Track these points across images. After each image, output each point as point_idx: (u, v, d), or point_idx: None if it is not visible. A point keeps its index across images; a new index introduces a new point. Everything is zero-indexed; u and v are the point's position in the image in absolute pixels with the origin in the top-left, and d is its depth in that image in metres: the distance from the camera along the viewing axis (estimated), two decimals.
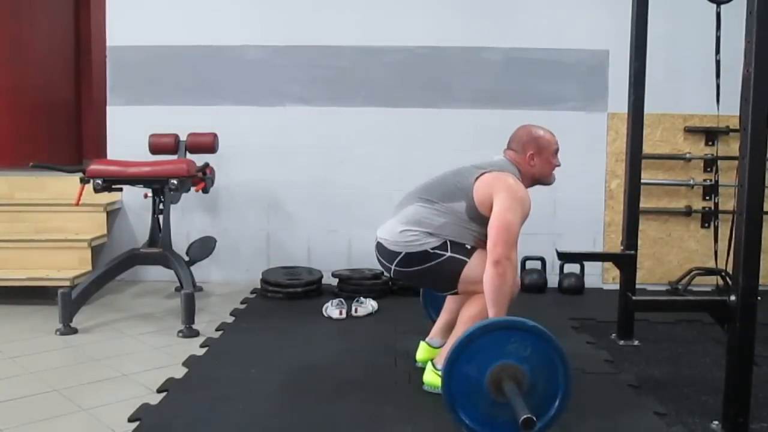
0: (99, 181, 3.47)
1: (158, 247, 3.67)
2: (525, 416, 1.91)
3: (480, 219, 2.50)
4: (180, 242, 4.01)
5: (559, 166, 2.67)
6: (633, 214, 3.25)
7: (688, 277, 4.22)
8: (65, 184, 4.15)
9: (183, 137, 4.03)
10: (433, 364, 2.60)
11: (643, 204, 3.43)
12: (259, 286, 4.13)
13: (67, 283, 3.68)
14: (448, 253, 2.50)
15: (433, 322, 2.90)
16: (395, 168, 4.31)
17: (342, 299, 3.72)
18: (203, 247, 4.11)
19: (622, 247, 3.32)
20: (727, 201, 4.07)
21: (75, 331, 3.31)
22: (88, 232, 4.11)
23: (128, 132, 4.24)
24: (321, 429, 2.30)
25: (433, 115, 4.33)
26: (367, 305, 3.69)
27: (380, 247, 2.61)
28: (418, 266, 2.53)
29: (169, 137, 4.01)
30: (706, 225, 4.33)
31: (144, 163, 3.57)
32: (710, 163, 4.29)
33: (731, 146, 4.24)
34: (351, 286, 4.01)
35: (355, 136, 4.35)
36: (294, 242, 4.42)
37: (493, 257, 2.36)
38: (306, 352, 3.06)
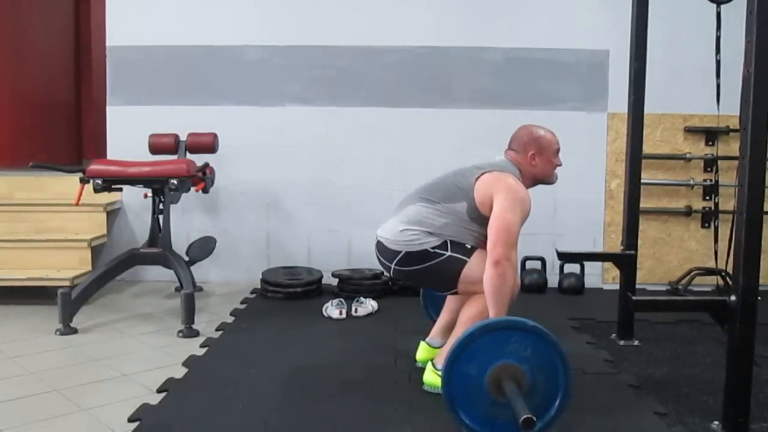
0: (99, 181, 3.47)
1: (158, 247, 3.67)
2: (525, 416, 1.91)
3: (480, 219, 2.50)
4: (180, 242, 4.01)
5: (560, 165, 2.67)
6: (633, 214, 3.25)
7: (688, 277, 4.22)
8: (65, 184, 4.15)
9: (183, 137, 4.03)
10: (433, 364, 2.60)
11: (643, 204, 3.43)
12: (259, 286, 4.13)
13: (67, 283, 3.68)
14: (448, 253, 2.50)
15: (433, 322, 2.90)
16: (395, 168, 4.31)
17: (342, 299, 3.72)
18: (203, 247, 4.11)
19: (622, 247, 3.32)
20: (727, 201, 4.07)
21: (75, 331, 3.31)
22: (88, 232, 4.11)
23: (128, 132, 4.24)
24: (321, 429, 2.30)
25: (433, 115, 4.33)
26: (367, 305, 3.69)
27: (380, 246, 2.61)
28: (418, 265, 2.53)
29: (169, 137, 4.01)
30: (706, 225, 4.34)
31: (144, 163, 3.56)
32: (710, 163, 4.29)
33: (731, 146, 4.24)
34: (351, 286, 4.01)
35: (355, 136, 4.35)
36: (294, 242, 4.42)
37: (492, 258, 2.36)
38: (306, 352, 3.06)
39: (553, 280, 4.28)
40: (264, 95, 4.34)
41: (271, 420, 2.34)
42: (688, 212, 4.34)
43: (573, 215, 4.34)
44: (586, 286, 4.25)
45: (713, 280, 4.04)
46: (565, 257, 3.79)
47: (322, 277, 4.15)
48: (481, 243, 2.51)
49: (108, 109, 4.38)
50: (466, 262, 2.49)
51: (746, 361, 2.19)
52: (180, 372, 2.78)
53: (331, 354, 3.04)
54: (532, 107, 4.19)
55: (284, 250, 4.42)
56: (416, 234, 2.52)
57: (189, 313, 3.29)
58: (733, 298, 2.19)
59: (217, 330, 3.37)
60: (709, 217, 4.30)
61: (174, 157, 3.94)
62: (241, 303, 3.91)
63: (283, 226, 4.42)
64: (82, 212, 4.10)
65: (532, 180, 2.65)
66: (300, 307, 3.80)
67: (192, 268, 3.75)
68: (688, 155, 4.30)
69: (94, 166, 3.52)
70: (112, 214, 4.36)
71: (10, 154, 5.00)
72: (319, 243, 4.41)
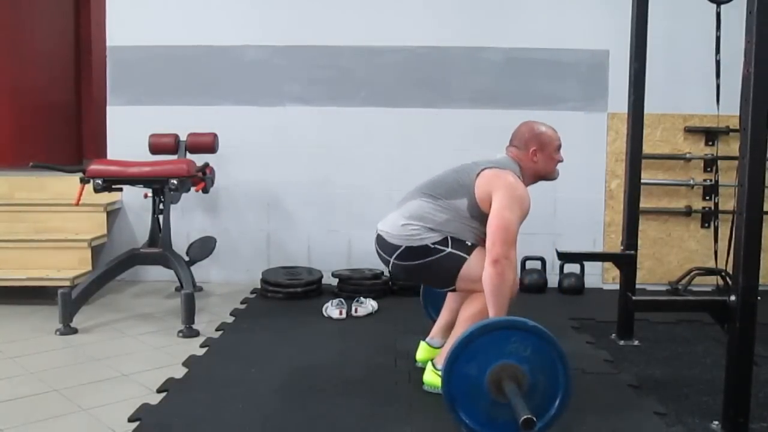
0: (99, 181, 3.47)
1: (158, 247, 3.67)
2: (525, 416, 1.91)
3: (481, 217, 2.50)
4: (180, 242, 4.01)
5: (562, 161, 2.67)
6: (633, 214, 3.25)
7: (688, 277, 4.22)
8: (65, 184, 4.15)
9: (183, 137, 4.03)
10: (433, 364, 2.60)
11: (643, 204, 3.43)
12: (259, 286, 4.13)
13: (67, 283, 3.68)
14: (449, 249, 2.50)
15: (433, 321, 2.90)
16: (395, 168, 4.31)
17: (342, 299, 3.72)
18: (203, 247, 4.11)
19: (622, 247, 3.32)
20: (727, 201, 4.08)
21: (75, 331, 3.31)
22: (88, 232, 4.11)
23: (128, 132, 4.24)
24: (321, 429, 2.30)
25: (433, 115, 4.33)
26: (367, 305, 3.69)
27: (380, 240, 2.61)
28: (418, 260, 2.53)
29: (169, 137, 4.01)
30: (706, 225, 4.33)
31: (144, 163, 3.57)
32: (710, 163, 4.29)
33: (731, 146, 4.24)
34: (351, 286, 4.01)
35: (355, 136, 4.35)
36: (294, 242, 4.42)
37: (491, 256, 2.36)
38: (306, 352, 3.06)
39: (553, 280, 4.28)
40: (264, 95, 4.34)
41: (271, 420, 2.34)
42: (688, 212, 4.34)
43: (573, 215, 4.34)
44: (586, 286, 4.25)
45: (713, 280, 4.04)
46: (565, 257, 3.79)
47: (322, 277, 4.15)
48: (482, 240, 2.50)
49: (108, 109, 4.38)
50: (465, 259, 2.49)
51: (746, 361, 2.19)
52: (180, 372, 2.78)
53: (331, 354, 3.04)
54: (532, 107, 4.19)
55: (284, 250, 4.42)
56: (417, 229, 2.52)
57: (189, 313, 3.29)
58: (733, 298, 2.19)
59: (217, 330, 3.37)
60: (709, 217, 4.30)
61: (174, 157, 3.94)
62: (241, 303, 3.91)
63: (283, 226, 4.42)
64: (82, 212, 4.10)
65: (534, 176, 2.65)
66: (300, 307, 3.80)
67: (192, 268, 3.75)
68: (688, 155, 4.30)
69: (95, 166, 3.52)
70: (112, 214, 4.36)
71: (10, 154, 5.00)
72: (319, 243, 4.41)
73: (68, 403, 2.48)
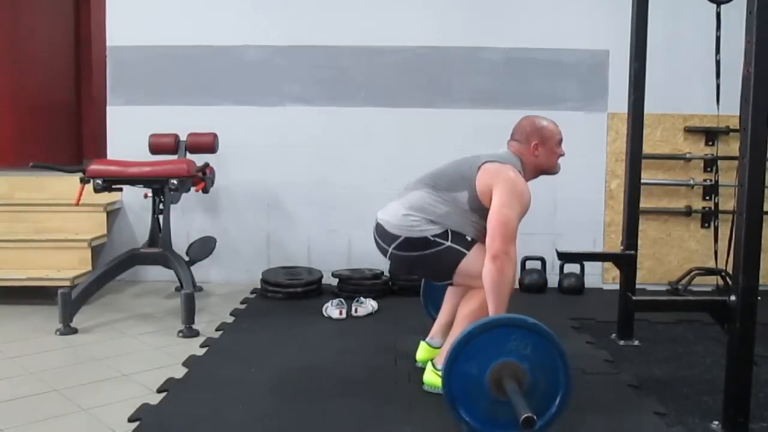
0: (99, 181, 3.47)
1: (158, 247, 3.67)
2: (525, 415, 1.91)
3: (481, 210, 2.49)
4: (180, 242, 4.01)
5: (563, 155, 2.67)
6: (633, 214, 3.25)
7: (688, 277, 4.22)
8: (65, 184, 4.15)
9: (183, 137, 4.03)
10: (433, 364, 2.60)
11: (643, 204, 3.43)
12: (259, 286, 4.13)
13: (67, 283, 3.68)
14: (448, 243, 2.50)
15: (433, 320, 2.90)
16: (395, 168, 4.30)
17: (342, 299, 3.72)
18: (203, 247, 4.11)
19: (622, 247, 3.32)
20: (727, 201, 4.08)
21: (75, 331, 3.31)
22: (88, 232, 4.11)
23: (128, 132, 4.24)
24: (321, 429, 2.30)
25: (433, 115, 4.33)
26: (367, 305, 3.69)
27: (379, 228, 2.60)
28: (416, 252, 2.52)
29: (169, 137, 4.01)
30: (706, 225, 4.33)
31: (144, 163, 3.57)
32: (710, 163, 4.29)
33: (731, 146, 4.24)
34: (351, 286, 4.01)
35: (355, 136, 4.35)
36: (294, 242, 4.42)
37: (491, 252, 2.36)
38: (306, 352, 3.06)
39: (553, 280, 4.28)
40: (264, 95, 4.34)
41: (271, 420, 2.34)
42: (688, 212, 4.34)
43: (573, 215, 4.34)
44: (586, 286, 4.25)
45: (713, 280, 4.04)
46: (565, 257, 3.79)
47: (322, 277, 4.15)
48: (482, 235, 2.50)
49: (108, 109, 4.38)
50: (464, 254, 2.48)
51: (746, 361, 2.19)
52: (180, 372, 2.78)
53: (330, 354, 3.04)
54: (532, 107, 4.16)
55: (284, 250, 4.42)
56: (417, 220, 2.51)
57: (189, 313, 3.29)
58: (733, 298, 2.19)
59: (217, 330, 3.37)
60: (709, 217, 4.30)
61: (174, 157, 3.94)
62: (241, 303, 3.91)
63: (283, 226, 4.42)
64: (82, 212, 4.10)
65: (535, 170, 2.65)
66: (300, 307, 3.80)
67: (192, 268, 3.75)
68: (688, 155, 4.31)
69: (95, 166, 3.52)
70: (112, 214, 4.36)
71: (10, 154, 5.00)
72: (319, 243, 4.41)
73: (68, 403, 2.48)
